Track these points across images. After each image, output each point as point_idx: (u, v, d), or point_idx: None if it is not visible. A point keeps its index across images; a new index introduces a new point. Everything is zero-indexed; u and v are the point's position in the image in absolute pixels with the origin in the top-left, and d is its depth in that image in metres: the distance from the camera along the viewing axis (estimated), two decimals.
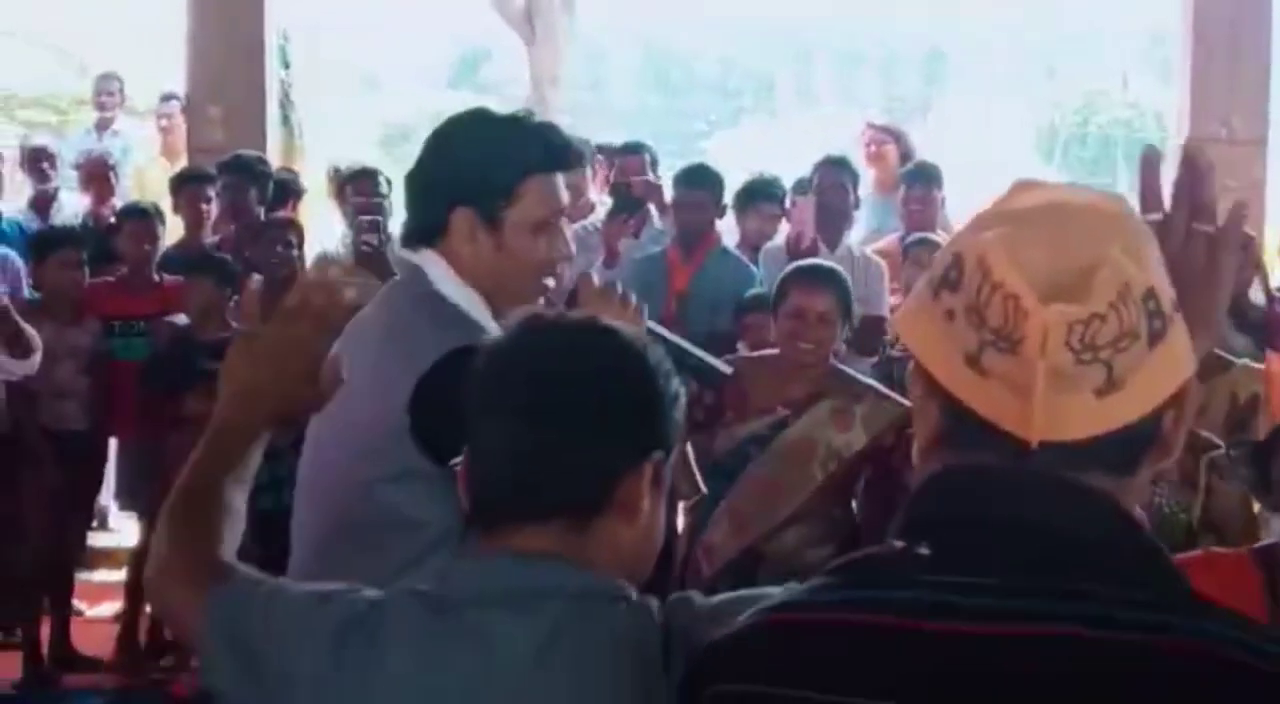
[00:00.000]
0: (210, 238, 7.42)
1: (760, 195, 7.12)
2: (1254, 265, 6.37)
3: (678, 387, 1.82)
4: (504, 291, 2.77)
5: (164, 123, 9.52)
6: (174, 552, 1.91)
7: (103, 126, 10.05)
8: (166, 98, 9.50)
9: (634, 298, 2.83)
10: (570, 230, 6.68)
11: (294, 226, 6.95)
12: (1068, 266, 1.32)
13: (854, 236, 7.26)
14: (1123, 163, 24.10)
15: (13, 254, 7.20)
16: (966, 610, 1.33)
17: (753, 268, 6.58)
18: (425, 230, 2.79)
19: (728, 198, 6.96)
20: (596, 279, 2.91)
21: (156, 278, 6.85)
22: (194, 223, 7.39)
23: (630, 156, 7.41)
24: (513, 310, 2.72)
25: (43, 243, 6.88)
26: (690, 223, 6.58)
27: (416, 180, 2.84)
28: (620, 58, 27.84)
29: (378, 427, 2.61)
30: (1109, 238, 1.35)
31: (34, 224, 8.06)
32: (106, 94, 10.12)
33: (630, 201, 6.67)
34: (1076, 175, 24.52)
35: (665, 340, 2.82)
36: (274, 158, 8.39)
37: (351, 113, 22.12)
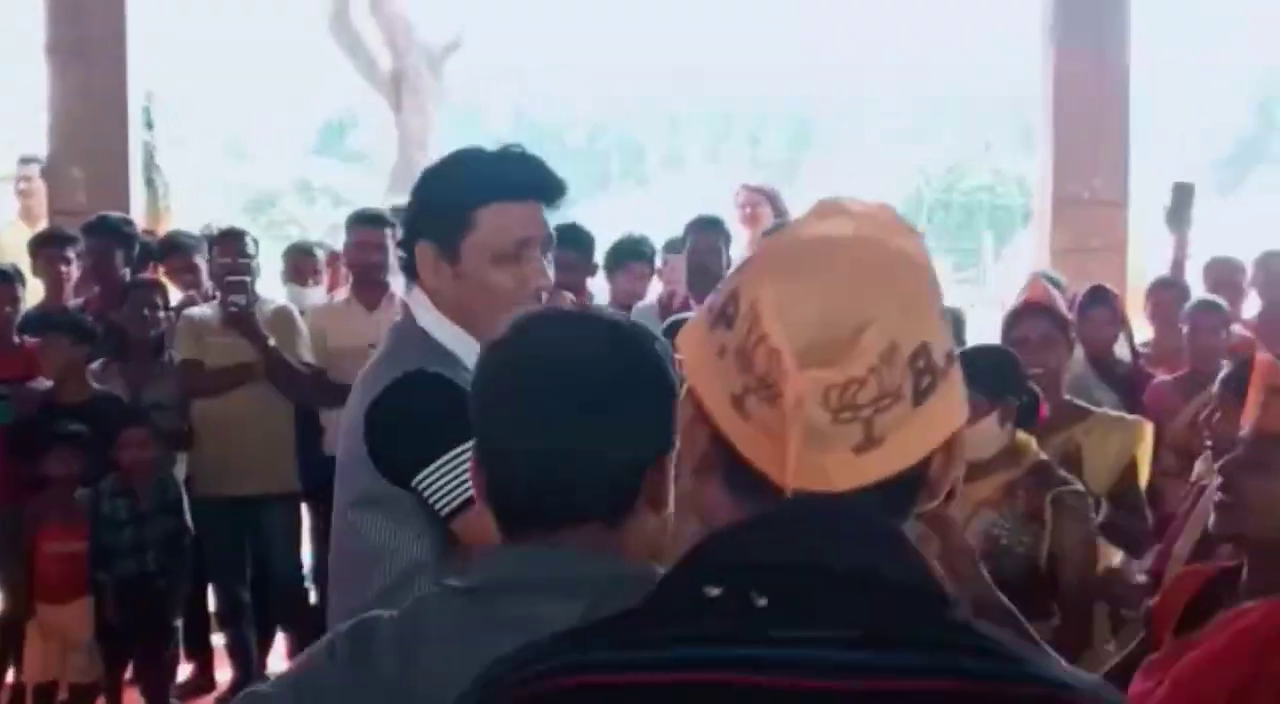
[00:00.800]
0: (73, 300, 7.29)
1: (630, 254, 7.14)
2: (1119, 322, 6.49)
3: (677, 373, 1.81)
4: (476, 323, 2.71)
5: (22, 186, 9.34)
6: None
7: None
8: (25, 161, 9.33)
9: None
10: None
11: (159, 288, 6.86)
12: (833, 326, 1.31)
13: None
14: (987, 228, 24.50)
15: None
16: (825, 666, 1.30)
17: None
18: (405, 268, 2.81)
19: (599, 257, 6.96)
20: (569, 299, 2.91)
21: (16, 340, 6.70)
22: (54, 285, 7.26)
23: None
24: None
25: None
26: (562, 282, 6.53)
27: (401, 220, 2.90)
28: (489, 124, 27.86)
29: (349, 455, 2.71)
30: (886, 291, 1.34)
31: None
32: None
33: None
34: (942, 241, 24.92)
35: None
36: (137, 220, 8.26)
37: (217, 178, 21.93)
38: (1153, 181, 8.53)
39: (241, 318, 6.54)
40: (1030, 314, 4.82)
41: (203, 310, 6.89)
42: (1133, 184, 8.83)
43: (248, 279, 6.68)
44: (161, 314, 6.73)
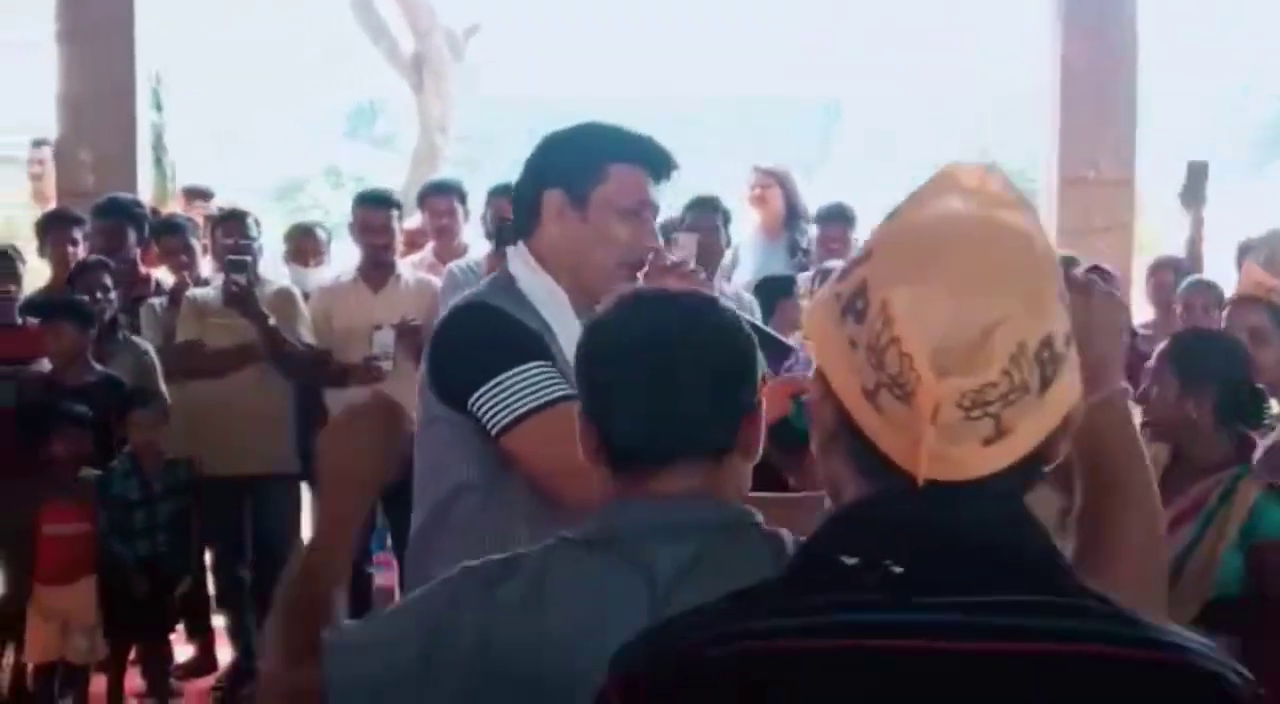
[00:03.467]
0: None
1: None
2: None
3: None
4: (587, 270, 2.95)
5: (35, 169, 9.36)
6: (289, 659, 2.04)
7: None
8: (38, 143, 9.35)
9: (702, 273, 3.11)
10: (456, 268, 6.61)
11: (108, 269, 6.85)
12: (964, 328, 1.35)
13: (740, 278, 7.27)
14: None
15: None
16: (980, 630, 1.36)
17: None
18: (521, 220, 3.04)
19: None
20: (670, 256, 3.15)
21: (20, 321, 6.71)
22: (60, 266, 7.25)
23: (507, 197, 7.36)
24: (596, 295, 2.94)
25: None
26: None
27: (518, 178, 3.09)
28: (514, 112, 27.77)
29: (423, 378, 2.96)
30: (1011, 285, 1.38)
31: None
32: None
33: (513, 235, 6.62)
34: None
35: None
36: (145, 202, 8.27)
37: (244, 163, 21.97)
38: (1175, 163, 8.42)
39: (242, 297, 6.55)
40: None
41: (205, 291, 6.92)
42: (1159, 166, 8.76)
43: (248, 259, 6.69)
44: (113, 295, 6.76)
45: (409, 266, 7.18)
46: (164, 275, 7.38)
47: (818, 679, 1.37)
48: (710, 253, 6.86)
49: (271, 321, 6.61)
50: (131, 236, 7.36)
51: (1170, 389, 4.05)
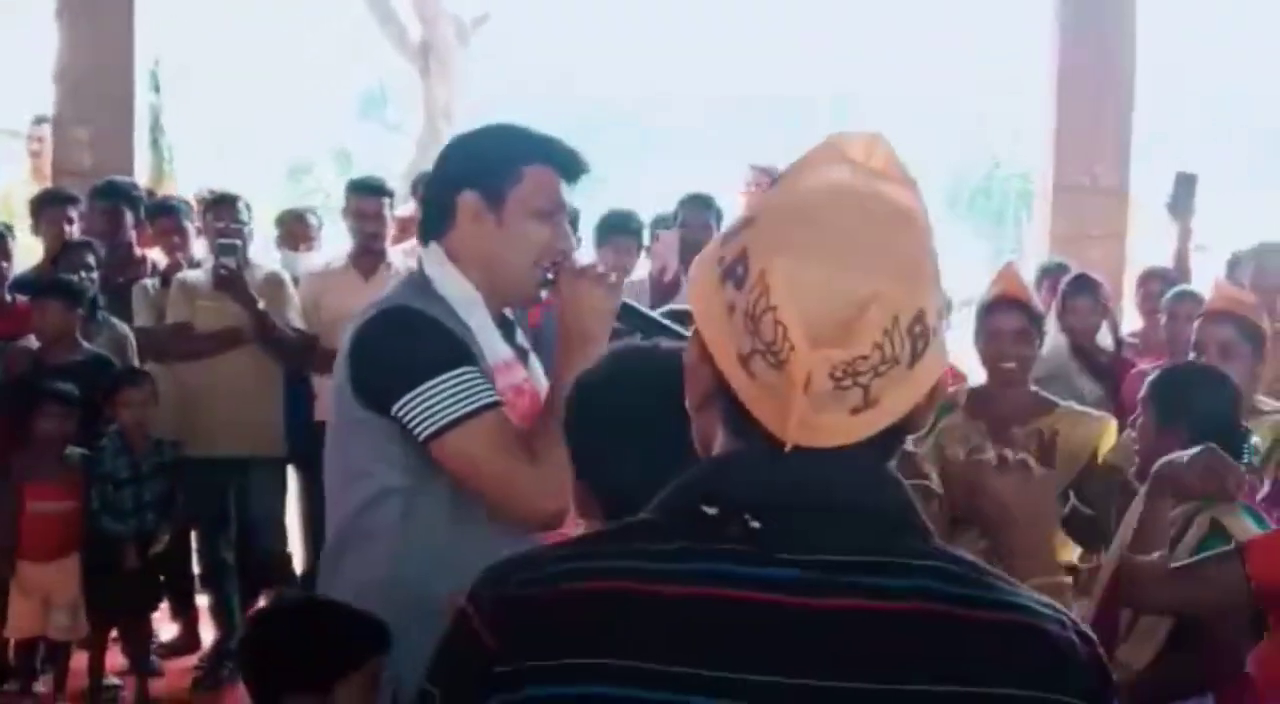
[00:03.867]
0: None
1: (617, 228, 7.10)
2: (1103, 311, 6.44)
3: None
4: (503, 272, 2.95)
5: (34, 146, 9.38)
6: None
7: None
8: (39, 120, 9.36)
9: (613, 275, 3.02)
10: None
11: (92, 249, 6.88)
12: (839, 301, 1.37)
13: None
14: (1024, 213, 24.31)
15: None
16: (826, 587, 1.38)
17: None
18: (434, 221, 3.00)
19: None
20: (578, 261, 3.06)
21: (9, 299, 6.73)
22: (55, 244, 7.26)
23: None
24: (510, 297, 3.02)
25: None
26: None
27: (430, 178, 3.09)
28: (518, 99, 27.69)
29: (339, 380, 2.90)
30: (888, 261, 1.40)
31: None
32: None
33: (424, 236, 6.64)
34: (982, 225, 24.73)
35: (640, 314, 3.07)
36: (141, 182, 8.29)
37: (256, 147, 21.99)
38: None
39: (231, 280, 6.57)
40: (1004, 307, 4.80)
41: (195, 274, 6.92)
42: (1156, 175, 8.73)
43: (238, 243, 6.70)
44: (94, 275, 6.77)
45: (400, 254, 7.18)
46: (159, 256, 7.38)
47: (667, 622, 1.38)
48: (699, 250, 6.86)
49: (261, 305, 6.63)
50: (128, 219, 7.39)
51: (1150, 423, 4.06)
